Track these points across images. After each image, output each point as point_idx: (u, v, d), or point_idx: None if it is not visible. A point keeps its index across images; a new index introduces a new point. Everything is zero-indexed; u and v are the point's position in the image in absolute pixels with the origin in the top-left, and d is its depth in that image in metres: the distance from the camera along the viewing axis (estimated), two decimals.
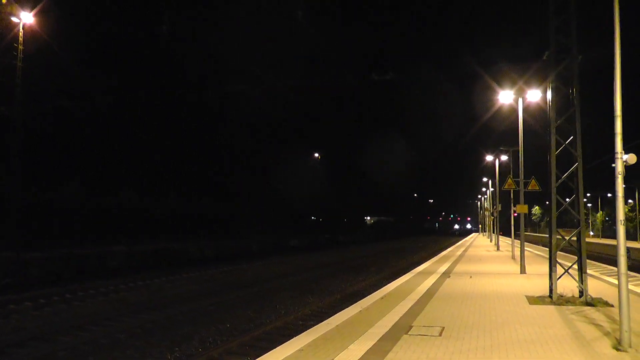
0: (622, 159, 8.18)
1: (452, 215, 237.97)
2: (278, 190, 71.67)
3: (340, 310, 11.96)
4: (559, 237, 12.96)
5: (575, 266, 12.52)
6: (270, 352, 8.06)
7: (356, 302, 13.32)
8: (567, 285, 13.08)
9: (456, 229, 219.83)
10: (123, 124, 47.04)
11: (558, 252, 12.90)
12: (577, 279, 12.46)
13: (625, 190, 8.30)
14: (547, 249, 13.24)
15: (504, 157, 37.95)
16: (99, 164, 44.69)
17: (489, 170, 52.58)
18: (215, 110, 60.00)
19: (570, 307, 11.85)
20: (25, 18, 28.41)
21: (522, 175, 22.30)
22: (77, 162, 42.72)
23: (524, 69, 19.99)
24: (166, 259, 35.22)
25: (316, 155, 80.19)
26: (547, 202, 12.85)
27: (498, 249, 41.82)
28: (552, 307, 11.86)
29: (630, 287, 13.62)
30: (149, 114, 48.53)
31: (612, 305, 11.72)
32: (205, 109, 57.11)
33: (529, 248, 41.35)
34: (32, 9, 28.59)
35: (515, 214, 27.60)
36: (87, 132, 43.98)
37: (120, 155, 46.87)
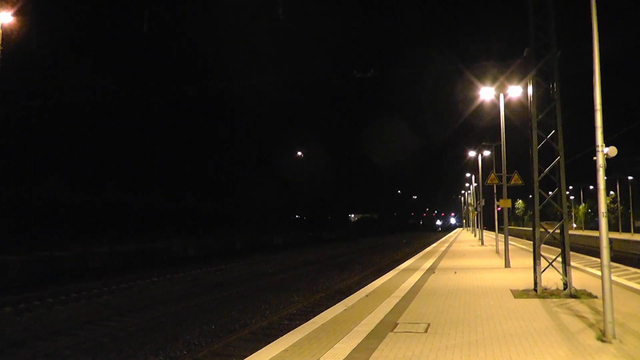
0: (603, 151, 8.22)
1: (435, 211, 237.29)
2: (262, 188, 71.48)
3: (326, 309, 11.90)
4: (543, 230, 13.03)
5: (559, 259, 12.60)
6: (255, 352, 7.98)
7: (341, 300, 13.28)
8: (552, 277, 13.15)
9: (438, 225, 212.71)
10: (104, 119, 46.52)
11: (542, 245, 12.97)
12: (561, 271, 12.54)
13: (607, 182, 8.33)
14: (531, 242, 13.31)
15: (486, 153, 38.15)
16: (79, 161, 44.12)
17: (472, 165, 52.97)
18: (200, 106, 59.67)
19: (555, 299, 11.91)
20: (4, 18, 27.91)
21: (504, 170, 22.41)
22: (57, 159, 42.11)
23: (505, 65, 20.06)
24: (149, 259, 34.91)
25: (299, 153, 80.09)
26: (530, 196, 12.92)
27: (482, 243, 42.05)
28: (536, 300, 11.91)
29: (613, 277, 13.76)
30: (131, 110, 48.04)
31: (596, 297, 11.80)
32: (189, 105, 56.75)
33: (513, 242, 41.68)
34: (11, 8, 28.07)
35: (499, 209, 27.77)
36: (67, 128, 43.40)
37: (102, 151, 46.37)
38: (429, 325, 9.55)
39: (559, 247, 12.79)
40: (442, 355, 7.50)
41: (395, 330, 9.19)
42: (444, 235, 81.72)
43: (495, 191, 26.47)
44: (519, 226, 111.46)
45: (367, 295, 13.50)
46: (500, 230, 28.87)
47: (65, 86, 40.22)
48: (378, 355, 7.55)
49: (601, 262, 8.17)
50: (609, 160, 8.37)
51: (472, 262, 23.88)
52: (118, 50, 49.25)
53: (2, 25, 28.05)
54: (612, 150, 8.24)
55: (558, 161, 12.50)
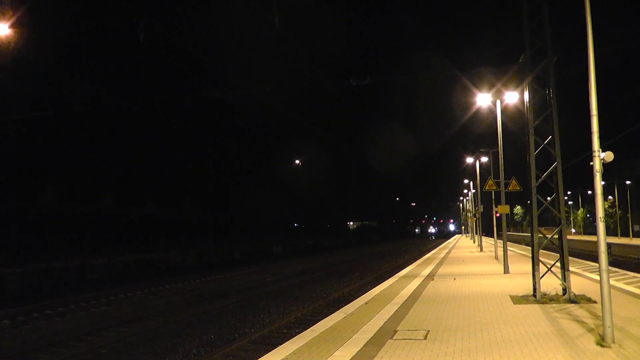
0: (600, 157, 8.24)
1: (434, 218, 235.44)
2: (261, 196, 71.41)
3: (325, 317, 11.87)
4: (541, 235, 13.04)
5: (558, 264, 12.59)
6: None
7: (340, 308, 13.26)
8: (551, 283, 13.15)
9: (432, 232, 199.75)
10: (101, 130, 46.46)
11: (541, 251, 12.97)
12: (560, 276, 12.53)
13: (605, 187, 8.35)
14: (530, 248, 13.32)
15: (484, 159, 38.22)
16: (76, 172, 44.02)
17: (470, 171, 52.99)
18: (197, 115, 59.61)
19: (554, 305, 11.90)
20: (1, 29, 27.97)
21: (502, 176, 22.45)
22: (54, 170, 42.02)
23: (502, 70, 20.17)
24: (148, 269, 34.82)
25: (297, 161, 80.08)
26: (529, 202, 12.94)
27: (481, 249, 42.03)
28: (536, 306, 11.90)
29: (612, 282, 13.76)
30: (127, 120, 47.98)
31: (595, 302, 11.80)
32: (186, 113, 56.67)
33: (512, 248, 41.68)
34: (8, 20, 28.12)
35: (497, 215, 27.78)
36: (64, 139, 43.37)
37: (99, 162, 46.27)
38: (428, 332, 9.54)
39: (557, 253, 12.79)
40: None
41: (394, 338, 9.17)
42: (442, 243, 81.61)
43: (493, 197, 26.48)
44: (518, 232, 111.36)
45: (366, 303, 13.48)
46: (499, 236, 28.87)
47: (62, 97, 40.26)
48: None
49: (599, 267, 8.17)
50: (607, 165, 8.39)
51: (471, 269, 23.85)
52: (114, 60, 49.34)
53: None
54: (608, 156, 8.26)
55: (555, 167, 12.52)
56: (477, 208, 46.17)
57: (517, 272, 20.43)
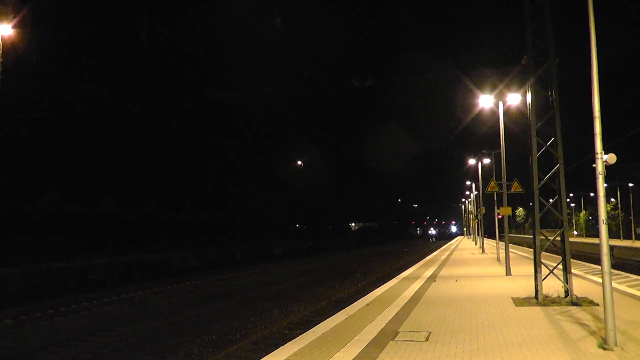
0: (603, 159, 8.22)
1: (436, 219, 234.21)
2: (262, 197, 71.42)
3: (326, 318, 11.85)
4: (543, 237, 13.01)
5: (560, 266, 12.56)
6: None
7: (342, 309, 13.23)
8: (553, 285, 13.11)
9: (432, 234, 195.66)
10: (102, 130, 46.54)
11: (543, 253, 12.94)
12: (562, 279, 12.50)
13: (607, 189, 8.33)
14: (532, 250, 13.29)
15: (486, 160, 38.17)
16: (77, 173, 44.06)
17: (473, 173, 52.95)
18: (197, 116, 59.66)
19: (556, 307, 11.87)
20: (4, 30, 27.96)
21: (504, 178, 22.41)
22: (56, 171, 42.09)
23: (504, 72, 20.16)
24: (148, 269, 34.81)
25: (299, 162, 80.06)
26: (531, 204, 12.91)
27: (483, 251, 41.93)
28: (538, 308, 11.87)
29: (615, 285, 13.73)
30: (128, 120, 48.03)
31: (598, 304, 11.75)
32: (187, 114, 56.73)
33: (514, 250, 41.58)
34: (10, 20, 28.12)
35: (499, 216, 27.73)
36: (65, 139, 43.43)
37: (100, 162, 46.32)
38: (430, 333, 9.51)
39: (560, 255, 12.76)
40: None
41: (396, 339, 9.15)
42: (444, 244, 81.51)
43: (495, 199, 26.45)
44: (520, 234, 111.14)
45: (368, 304, 13.46)
46: (501, 238, 28.81)
47: (62, 97, 40.32)
48: None
49: (602, 270, 8.14)
50: (609, 167, 8.36)
51: (473, 270, 23.82)
52: (114, 60, 49.40)
53: (2, 37, 28.13)
54: (611, 158, 8.23)
55: (558, 168, 12.49)
56: (479, 210, 46.09)
57: (519, 274, 20.39)
